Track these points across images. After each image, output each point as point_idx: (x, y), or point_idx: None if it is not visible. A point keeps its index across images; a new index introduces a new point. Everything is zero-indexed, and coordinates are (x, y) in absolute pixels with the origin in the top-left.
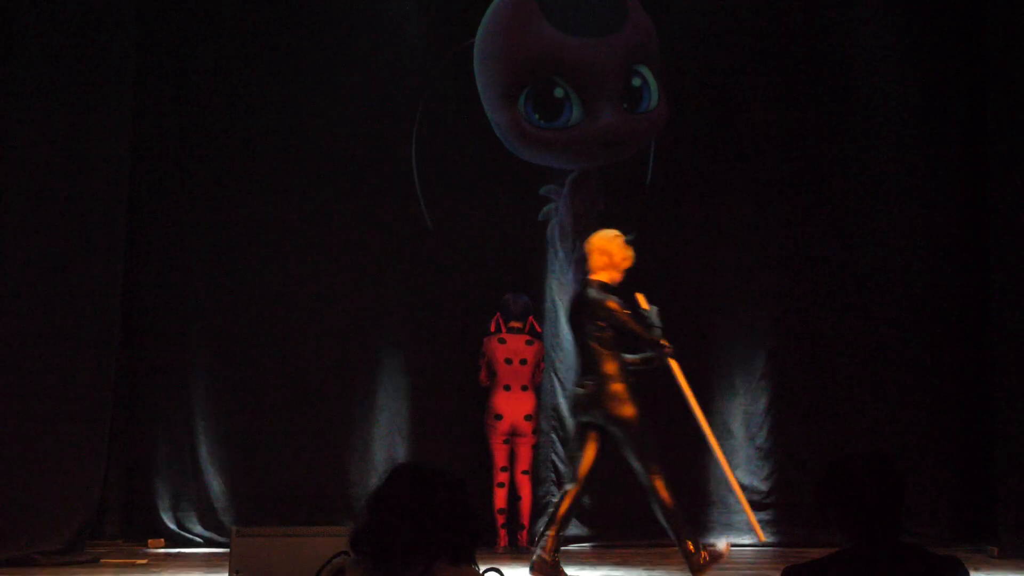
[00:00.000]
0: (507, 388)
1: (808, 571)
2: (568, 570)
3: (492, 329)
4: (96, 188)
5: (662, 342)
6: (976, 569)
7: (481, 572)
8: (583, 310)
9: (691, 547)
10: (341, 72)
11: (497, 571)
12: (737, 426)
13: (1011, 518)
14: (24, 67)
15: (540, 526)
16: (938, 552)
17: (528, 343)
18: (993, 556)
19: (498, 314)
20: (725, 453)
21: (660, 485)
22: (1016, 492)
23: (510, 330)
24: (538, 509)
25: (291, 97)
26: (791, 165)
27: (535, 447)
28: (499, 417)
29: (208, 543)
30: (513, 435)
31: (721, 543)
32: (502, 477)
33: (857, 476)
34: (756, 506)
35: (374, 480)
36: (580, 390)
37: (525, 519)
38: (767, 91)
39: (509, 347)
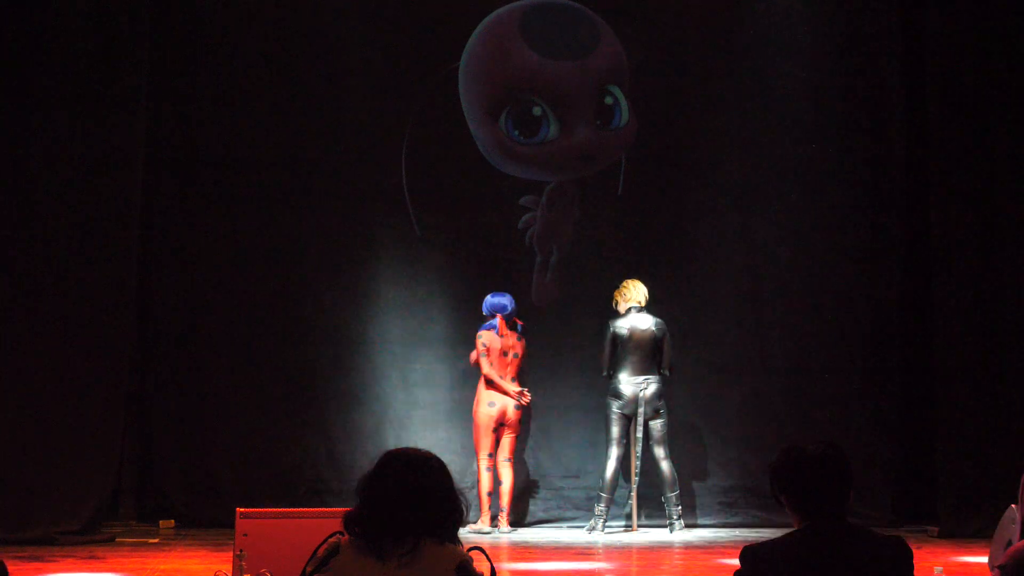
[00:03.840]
0: (500, 379)
1: (764, 550)
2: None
3: (500, 331)
4: (112, 187)
5: None
6: (918, 547)
7: (464, 550)
8: None
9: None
10: (338, 91)
11: (479, 549)
12: (700, 419)
13: (950, 501)
14: (45, 78)
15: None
16: (883, 532)
17: (518, 339)
18: (933, 536)
19: (499, 313)
20: (691, 444)
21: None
22: (954, 477)
23: (511, 327)
24: (518, 493)
25: (292, 115)
26: (748, 175)
27: (518, 437)
28: (492, 404)
29: (214, 523)
30: (501, 424)
31: None
32: (490, 463)
33: (807, 463)
34: (719, 491)
35: (367, 465)
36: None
37: (504, 503)
38: (726, 108)
39: (506, 342)
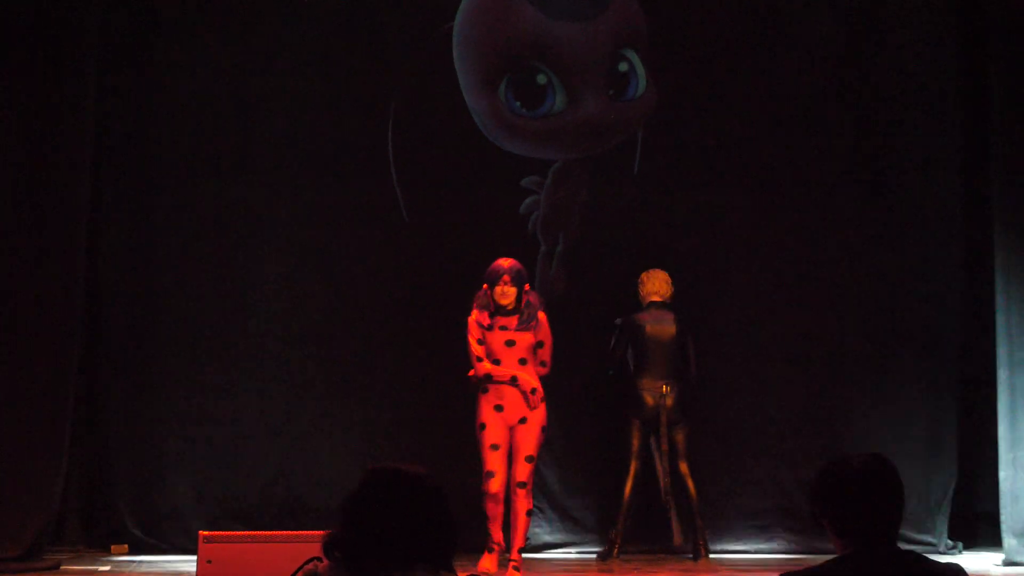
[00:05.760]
0: None
1: None
2: None
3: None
4: (57, 182)
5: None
6: None
7: None
8: None
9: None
10: (315, 58)
11: None
12: (727, 430)
13: (1014, 525)
14: None
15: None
16: (939, 560)
17: None
18: (996, 565)
19: None
20: (718, 459)
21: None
22: (1019, 498)
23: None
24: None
25: (263, 85)
26: (784, 155)
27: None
28: None
29: (174, 549)
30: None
31: None
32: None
33: (852, 480)
34: (750, 512)
35: (349, 483)
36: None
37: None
38: (759, 77)
39: None
